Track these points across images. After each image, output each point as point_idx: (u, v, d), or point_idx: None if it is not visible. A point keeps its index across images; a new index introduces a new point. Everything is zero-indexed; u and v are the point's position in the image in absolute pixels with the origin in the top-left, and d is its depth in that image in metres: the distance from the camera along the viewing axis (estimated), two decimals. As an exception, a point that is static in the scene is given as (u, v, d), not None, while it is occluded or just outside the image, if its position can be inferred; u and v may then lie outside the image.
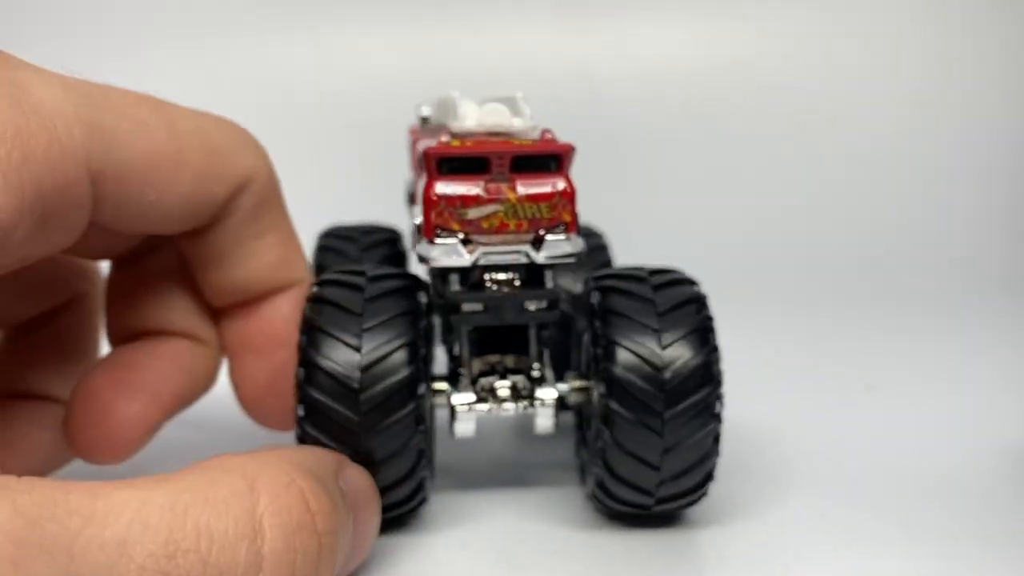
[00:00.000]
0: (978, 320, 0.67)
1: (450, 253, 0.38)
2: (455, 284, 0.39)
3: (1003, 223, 0.76)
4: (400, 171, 0.55)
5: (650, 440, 0.37)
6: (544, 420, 0.41)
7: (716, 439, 0.37)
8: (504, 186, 0.38)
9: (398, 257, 0.52)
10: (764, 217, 0.83)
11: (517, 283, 0.39)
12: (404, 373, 0.36)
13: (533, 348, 0.41)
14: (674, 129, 0.81)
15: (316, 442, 0.36)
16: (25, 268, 0.39)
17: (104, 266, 0.43)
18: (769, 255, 0.80)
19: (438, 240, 0.38)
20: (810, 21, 0.82)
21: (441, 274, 0.40)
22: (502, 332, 0.41)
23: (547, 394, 0.41)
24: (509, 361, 0.42)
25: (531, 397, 0.41)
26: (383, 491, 0.37)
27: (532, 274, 0.40)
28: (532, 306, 0.40)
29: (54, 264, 0.41)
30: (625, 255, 0.55)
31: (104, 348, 0.43)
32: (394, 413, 0.36)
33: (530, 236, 0.38)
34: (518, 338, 0.42)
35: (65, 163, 0.31)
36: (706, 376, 0.37)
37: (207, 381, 0.42)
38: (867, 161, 0.81)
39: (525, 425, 0.49)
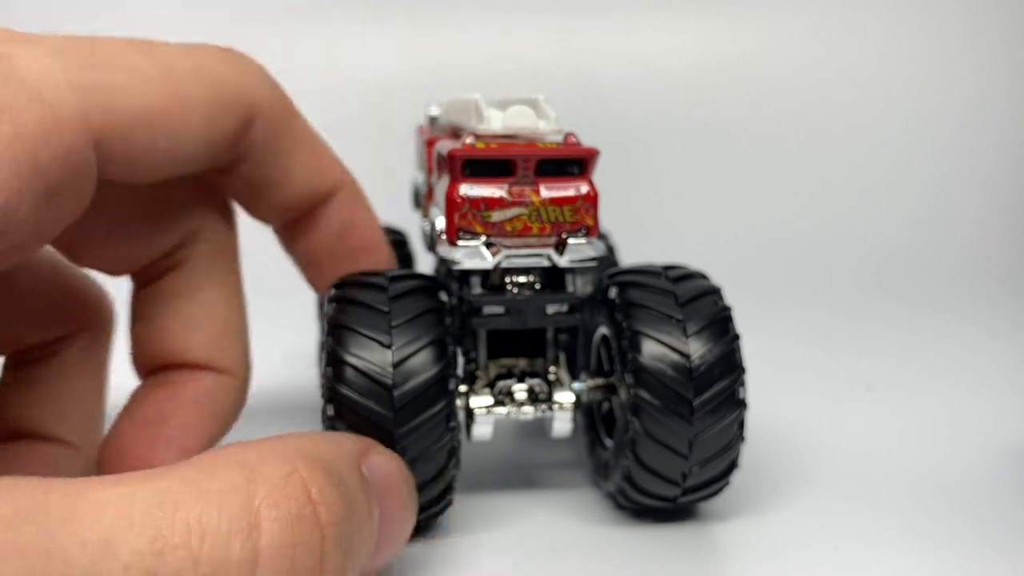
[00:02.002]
0: (978, 320, 0.68)
1: (473, 256, 0.38)
2: (476, 287, 0.39)
3: (1004, 223, 0.78)
4: (405, 172, 0.54)
5: (680, 428, 0.37)
6: (562, 424, 0.41)
7: (741, 426, 0.38)
8: (528, 189, 0.38)
9: (406, 260, 0.52)
10: (765, 217, 0.83)
11: (537, 286, 0.39)
12: (435, 369, 0.36)
13: (550, 351, 0.42)
14: (674, 129, 0.81)
15: None
16: (32, 288, 0.39)
17: (121, 296, 0.42)
18: (769, 255, 0.80)
19: (461, 242, 0.38)
20: (813, 22, 0.82)
21: (462, 276, 0.40)
22: (518, 335, 0.42)
23: (565, 397, 0.41)
24: (524, 364, 0.42)
25: (549, 400, 0.41)
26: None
27: (551, 277, 0.40)
28: (552, 309, 0.40)
29: (62, 289, 0.40)
30: (627, 255, 0.55)
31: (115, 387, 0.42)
32: (426, 410, 0.36)
33: (552, 240, 0.38)
34: (534, 341, 0.42)
35: (61, 132, 0.31)
36: (730, 363, 0.38)
37: (233, 417, 0.41)
38: (868, 162, 0.81)
39: (529, 427, 0.49)
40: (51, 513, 0.25)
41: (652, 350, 0.37)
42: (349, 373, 0.35)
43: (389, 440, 0.35)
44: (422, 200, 0.47)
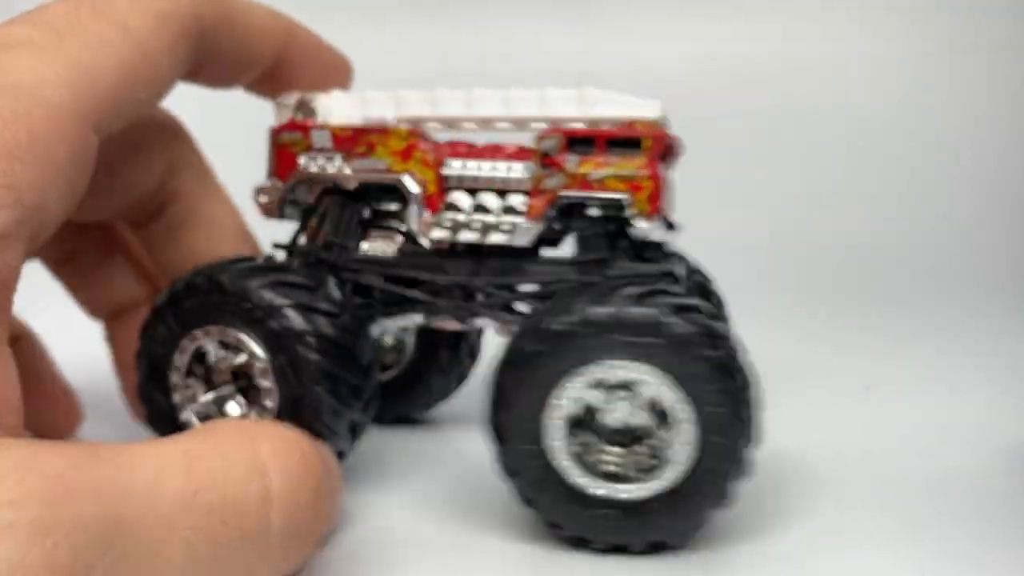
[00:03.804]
0: (978, 320, 0.69)
1: None
2: None
3: (1004, 224, 0.79)
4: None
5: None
6: None
7: None
8: None
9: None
10: (764, 218, 0.85)
11: None
12: None
13: None
14: (673, 129, 0.79)
15: None
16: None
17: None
18: (769, 256, 0.82)
19: None
20: (812, 23, 0.84)
21: None
22: None
23: None
24: None
25: None
26: None
27: None
28: None
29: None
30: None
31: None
32: None
33: None
34: None
35: (68, 125, 0.34)
36: None
37: None
38: (867, 163, 0.81)
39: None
40: (105, 461, 0.30)
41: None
42: None
43: None
44: None
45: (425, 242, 0.49)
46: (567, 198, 0.47)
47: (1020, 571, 0.37)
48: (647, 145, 0.47)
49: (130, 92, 0.38)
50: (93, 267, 0.52)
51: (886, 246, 0.79)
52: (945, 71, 0.84)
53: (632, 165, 0.47)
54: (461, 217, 0.49)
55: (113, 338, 0.53)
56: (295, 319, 0.45)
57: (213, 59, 0.46)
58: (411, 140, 0.49)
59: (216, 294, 0.46)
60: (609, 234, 0.48)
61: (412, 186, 0.49)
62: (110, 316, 0.53)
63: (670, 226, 0.48)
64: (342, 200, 0.52)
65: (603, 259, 0.48)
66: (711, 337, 0.40)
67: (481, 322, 0.51)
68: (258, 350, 0.45)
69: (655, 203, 0.46)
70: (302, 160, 0.51)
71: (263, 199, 0.52)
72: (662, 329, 0.40)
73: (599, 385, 0.41)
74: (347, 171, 0.50)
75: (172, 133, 0.50)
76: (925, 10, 0.86)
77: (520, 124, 0.49)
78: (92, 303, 0.53)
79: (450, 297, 0.50)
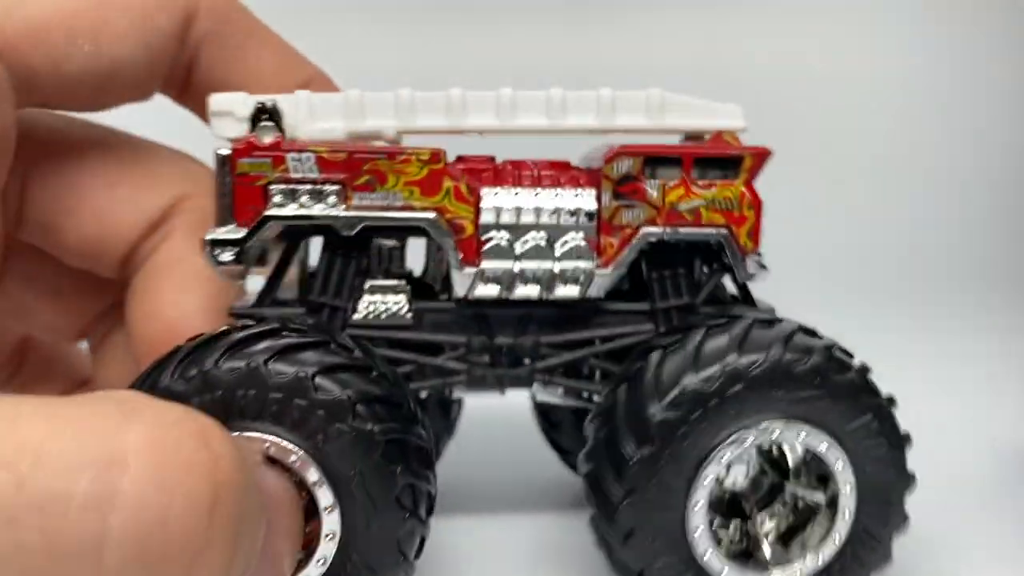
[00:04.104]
0: (978, 320, 0.68)
1: None
2: None
3: (1004, 224, 0.78)
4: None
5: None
6: None
7: None
8: None
9: None
10: (764, 217, 0.79)
11: None
12: None
13: None
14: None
15: None
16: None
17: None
18: (768, 256, 0.75)
19: None
20: (814, 23, 0.80)
21: None
22: None
23: None
24: None
25: None
26: None
27: None
28: None
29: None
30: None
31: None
32: None
33: None
34: None
35: None
36: None
37: None
38: (867, 163, 0.79)
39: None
40: None
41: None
42: None
43: None
44: None
45: (460, 288, 0.37)
46: (652, 235, 0.37)
47: (1020, 571, 0.37)
48: (747, 165, 0.37)
49: (68, 38, 0.33)
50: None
51: (886, 246, 0.78)
52: (947, 71, 0.83)
53: (731, 191, 0.37)
54: (511, 266, 0.37)
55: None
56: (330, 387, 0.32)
57: (208, 67, 0.37)
58: (436, 165, 0.36)
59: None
60: (693, 275, 0.39)
61: (441, 231, 0.37)
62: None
63: (762, 264, 0.40)
64: (333, 248, 0.38)
65: (689, 305, 0.39)
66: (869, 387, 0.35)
67: (541, 392, 0.40)
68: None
69: (757, 237, 0.38)
70: (275, 196, 0.36)
71: (224, 256, 0.36)
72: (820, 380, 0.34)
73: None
74: (343, 212, 0.36)
75: (183, 172, 0.38)
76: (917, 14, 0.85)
77: (570, 132, 0.38)
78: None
79: (489, 363, 0.39)
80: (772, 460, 0.38)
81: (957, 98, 0.82)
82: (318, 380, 0.31)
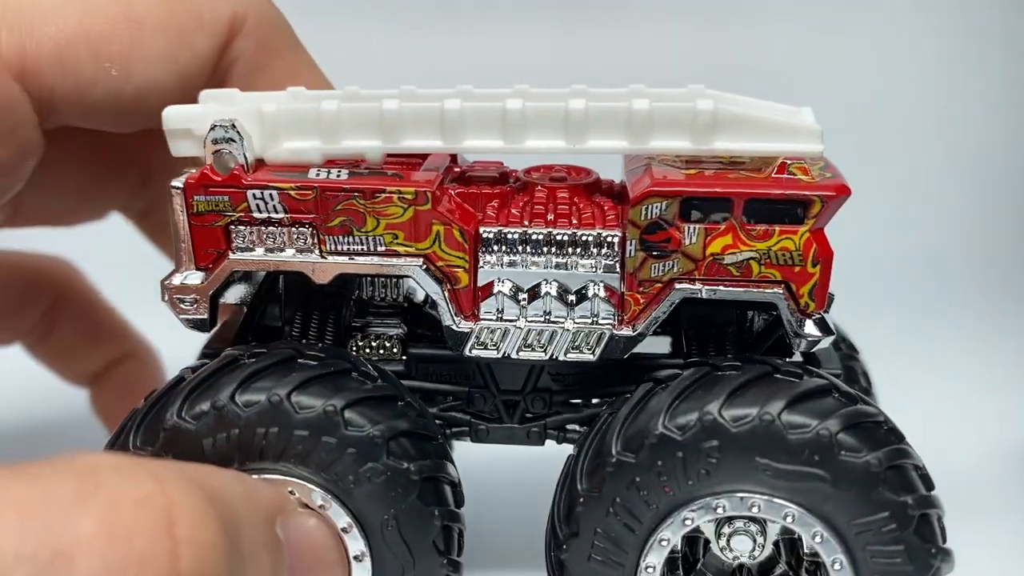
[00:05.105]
0: (978, 320, 0.66)
1: None
2: None
3: (1004, 224, 0.74)
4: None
5: None
6: None
7: None
8: None
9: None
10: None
11: None
12: None
13: None
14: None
15: None
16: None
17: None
18: None
19: None
20: (815, 23, 0.76)
21: None
22: None
23: None
24: None
25: None
26: None
27: None
28: None
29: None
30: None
31: None
32: None
33: None
34: None
35: None
36: None
37: None
38: (867, 162, 0.72)
39: None
40: None
41: None
42: None
43: None
44: None
45: (455, 345, 0.32)
46: (687, 292, 0.30)
47: (1021, 571, 0.37)
48: (815, 211, 0.30)
49: (94, 60, 0.31)
50: (71, 341, 0.43)
51: (886, 246, 0.73)
52: (947, 71, 0.76)
53: (792, 241, 0.30)
54: (515, 323, 0.31)
55: (97, 400, 0.44)
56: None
57: (232, 72, 0.34)
58: (423, 206, 0.30)
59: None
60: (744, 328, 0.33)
61: (431, 283, 0.31)
62: (91, 382, 0.44)
63: (827, 327, 0.31)
64: (308, 300, 0.33)
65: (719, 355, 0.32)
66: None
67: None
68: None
69: (823, 297, 0.30)
70: (236, 240, 0.31)
71: (187, 304, 0.31)
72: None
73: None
74: (316, 259, 0.31)
75: None
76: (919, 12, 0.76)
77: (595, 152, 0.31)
78: (74, 375, 0.44)
79: (491, 416, 0.34)
80: (794, 549, 0.31)
81: (958, 98, 0.76)
82: (347, 415, 0.28)
